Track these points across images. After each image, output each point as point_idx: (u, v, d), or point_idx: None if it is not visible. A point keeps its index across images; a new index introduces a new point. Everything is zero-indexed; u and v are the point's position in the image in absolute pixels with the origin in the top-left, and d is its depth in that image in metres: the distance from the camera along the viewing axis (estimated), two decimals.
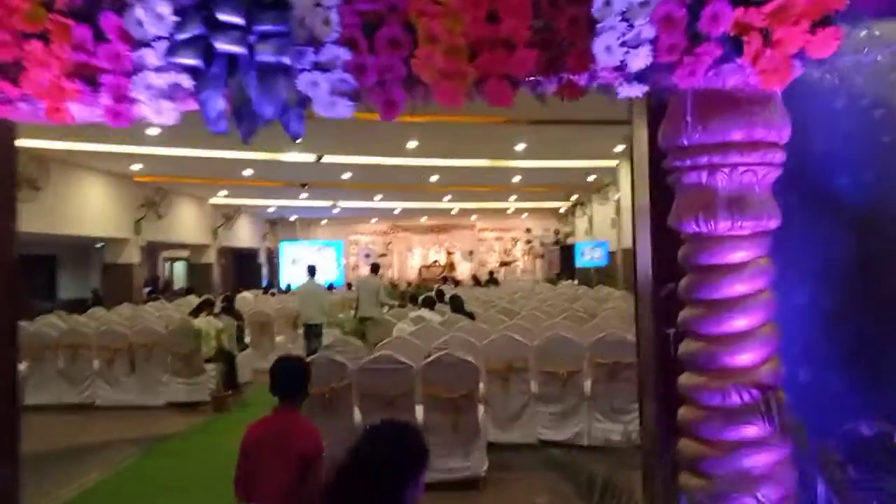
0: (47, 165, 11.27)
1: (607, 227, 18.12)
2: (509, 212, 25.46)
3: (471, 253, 27.49)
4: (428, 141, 12.26)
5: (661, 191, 2.18)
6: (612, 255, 17.81)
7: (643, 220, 2.47)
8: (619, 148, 13.54)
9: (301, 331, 11.91)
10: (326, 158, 13.51)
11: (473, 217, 27.83)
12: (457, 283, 18.09)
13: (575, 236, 21.74)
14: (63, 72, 1.63)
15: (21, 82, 1.63)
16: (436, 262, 28.17)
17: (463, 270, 27.95)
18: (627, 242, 14.26)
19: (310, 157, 13.38)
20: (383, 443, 1.94)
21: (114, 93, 1.70)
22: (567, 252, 22.91)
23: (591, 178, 17.14)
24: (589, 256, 18.09)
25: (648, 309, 2.40)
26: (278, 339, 10.97)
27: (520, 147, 13.03)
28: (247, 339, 10.15)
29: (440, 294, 10.66)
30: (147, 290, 21.93)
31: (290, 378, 3.00)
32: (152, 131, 10.67)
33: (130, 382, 8.20)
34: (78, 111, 1.73)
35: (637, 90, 1.83)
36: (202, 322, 8.22)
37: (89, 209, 13.66)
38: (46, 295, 18.33)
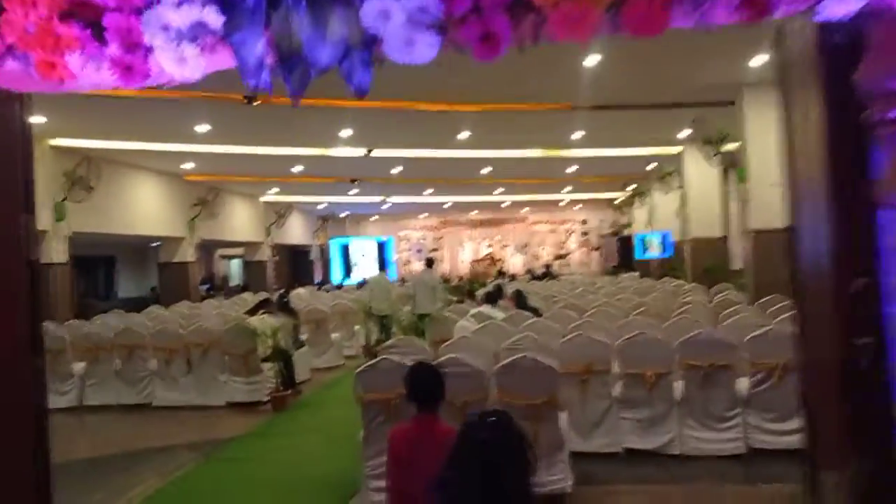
0: (98, 165, 11.25)
1: (669, 217, 17.30)
2: (562, 203, 24.78)
3: (524, 246, 26.90)
4: (480, 131, 11.79)
5: (844, 159, 1.66)
6: (675, 245, 17.00)
7: (813, 197, 1.94)
8: (684, 133, 12.79)
9: (358, 327, 11.69)
10: (376, 152, 13.18)
11: (524, 210, 27.23)
12: (512, 277, 17.55)
13: (633, 227, 20.92)
14: (54, 10, 1.18)
15: (1, 28, 1.20)
16: (488, 255, 27.71)
17: (515, 264, 27.41)
18: (696, 232, 13.53)
19: (359, 152, 13.07)
20: (499, 427, 1.91)
21: (122, 37, 1.25)
22: (625, 244, 22.12)
23: (650, 167, 16.38)
24: (650, 248, 17.30)
25: (823, 307, 1.88)
26: (334, 335, 10.70)
27: (577, 135, 12.42)
28: (303, 337, 9.89)
29: (499, 289, 10.18)
30: (204, 287, 22.19)
31: (427, 385, 3.06)
32: (201, 128, 10.51)
33: (188, 382, 8.01)
34: (79, 66, 1.28)
35: (848, 5, 1.33)
36: (258, 321, 7.96)
37: (142, 209, 13.69)
38: (106, 295, 18.67)
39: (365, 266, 25.49)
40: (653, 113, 10.85)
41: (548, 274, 17.81)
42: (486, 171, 16.13)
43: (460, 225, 29.01)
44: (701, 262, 13.33)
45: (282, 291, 10.69)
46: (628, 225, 21.99)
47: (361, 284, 18.64)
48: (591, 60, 7.94)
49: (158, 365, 8.06)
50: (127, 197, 13.15)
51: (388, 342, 5.73)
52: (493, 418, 1.94)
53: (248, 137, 11.73)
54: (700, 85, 9.28)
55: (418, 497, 2.35)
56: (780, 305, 7.19)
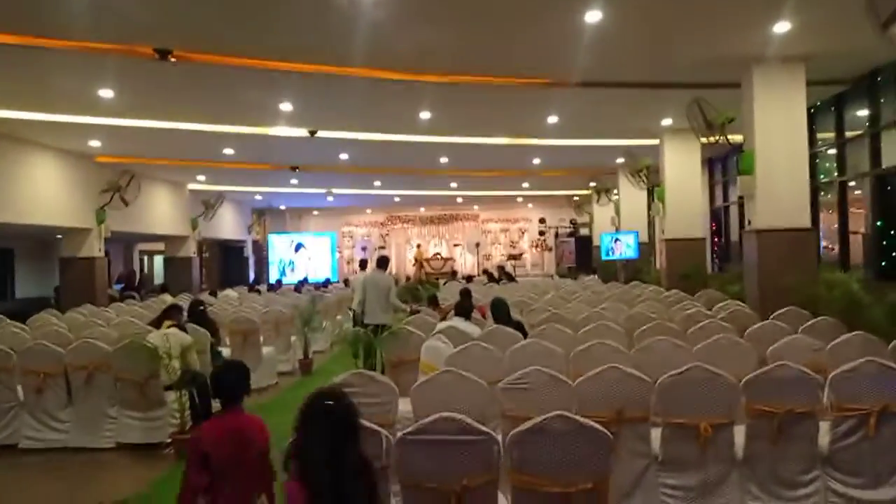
0: None
1: (639, 215, 16.17)
2: (520, 200, 23.47)
3: (477, 245, 25.45)
4: (442, 111, 10.19)
5: None
6: (641, 247, 15.86)
7: None
8: (667, 122, 11.54)
9: (294, 338, 9.91)
10: (321, 134, 11.42)
11: (475, 207, 25.80)
12: (468, 278, 16.02)
13: (594, 227, 19.75)
14: None
15: None
16: (437, 254, 26.16)
17: (464, 263, 25.95)
18: (674, 232, 12.32)
19: (301, 132, 11.28)
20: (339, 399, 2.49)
21: None
22: (583, 244, 20.95)
23: (619, 160, 15.15)
24: (616, 249, 16.09)
25: None
26: (266, 350, 8.90)
27: (551, 120, 10.97)
28: (224, 352, 8.08)
29: (468, 296, 8.61)
30: (119, 287, 19.79)
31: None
32: (105, 93, 8.53)
33: (67, 417, 6.12)
34: None
35: None
36: (160, 337, 6.10)
37: (41, 194, 11.51)
38: (1, 294, 16.14)
39: (304, 264, 23.55)
40: (641, 94, 9.50)
41: (504, 275, 16.39)
42: (444, 160, 14.55)
43: (408, 222, 27.37)
44: (677, 265, 12.11)
45: (196, 298, 8.71)
46: (587, 224, 20.83)
47: (301, 284, 16.81)
48: (593, 16, 6.45)
49: (27, 394, 6.13)
50: (22, 179, 10.95)
51: (340, 378, 4.05)
52: (334, 391, 2.53)
53: (167, 109, 9.78)
54: (704, 58, 7.95)
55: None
56: (812, 322, 5.88)
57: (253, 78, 8.05)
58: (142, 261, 24.13)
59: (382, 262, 9.06)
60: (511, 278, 15.98)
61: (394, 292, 8.73)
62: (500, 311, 6.36)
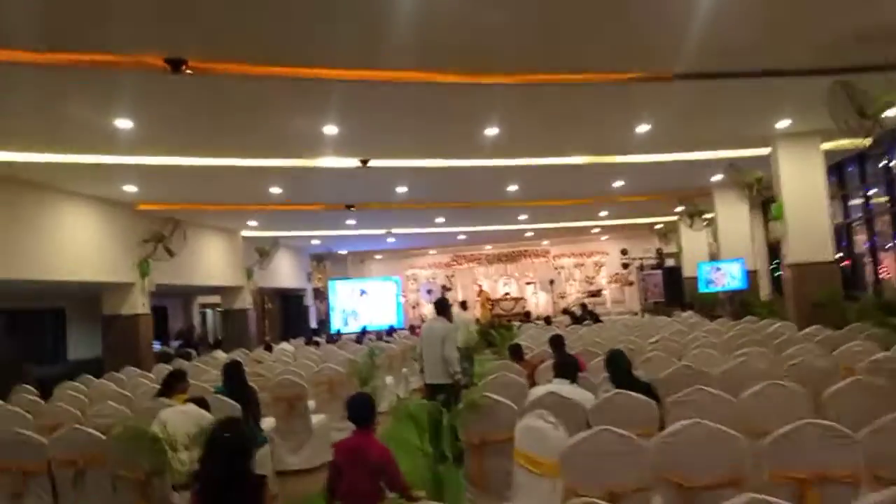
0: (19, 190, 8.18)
1: (740, 240, 14.05)
2: (595, 231, 21.56)
3: (551, 282, 23.56)
4: (512, 123, 8.65)
5: None
6: (750, 275, 13.70)
7: None
8: (784, 124, 9.60)
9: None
10: (374, 163, 10.04)
11: (545, 242, 24.01)
12: (546, 320, 14.19)
13: (683, 255, 17.62)
14: None
15: None
16: (507, 294, 24.38)
17: (537, 302, 24.05)
18: (801, 255, 10.19)
19: (352, 162, 9.94)
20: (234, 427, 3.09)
21: None
22: (672, 276, 18.79)
23: (715, 178, 13.19)
24: (717, 280, 13.97)
25: None
26: (316, 418, 7.34)
27: (642, 129, 9.25)
28: (265, 423, 6.58)
29: (559, 344, 6.87)
30: (177, 343, 18.89)
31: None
32: (123, 123, 7.39)
33: None
34: None
35: None
36: (168, 419, 4.64)
37: (80, 248, 10.53)
38: (53, 356, 15.37)
39: (367, 310, 22.27)
40: (754, 88, 7.68)
41: (588, 314, 14.50)
42: (512, 188, 12.96)
43: (473, 261, 25.79)
44: (807, 294, 9.98)
45: (233, 360, 7.09)
46: (676, 253, 18.69)
47: (362, 334, 15.38)
48: None
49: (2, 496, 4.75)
50: (55, 232, 9.99)
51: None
52: (229, 422, 3.17)
53: (193, 138, 8.59)
54: (851, 31, 6.13)
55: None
56: None
57: (285, 91, 6.74)
58: (202, 315, 23.40)
59: (442, 306, 7.19)
60: (596, 318, 14.06)
61: (451, 344, 6.74)
62: (619, 367, 4.61)
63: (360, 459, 3.66)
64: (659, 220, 18.93)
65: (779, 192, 10.33)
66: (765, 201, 11.27)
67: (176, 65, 5.82)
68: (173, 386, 5.42)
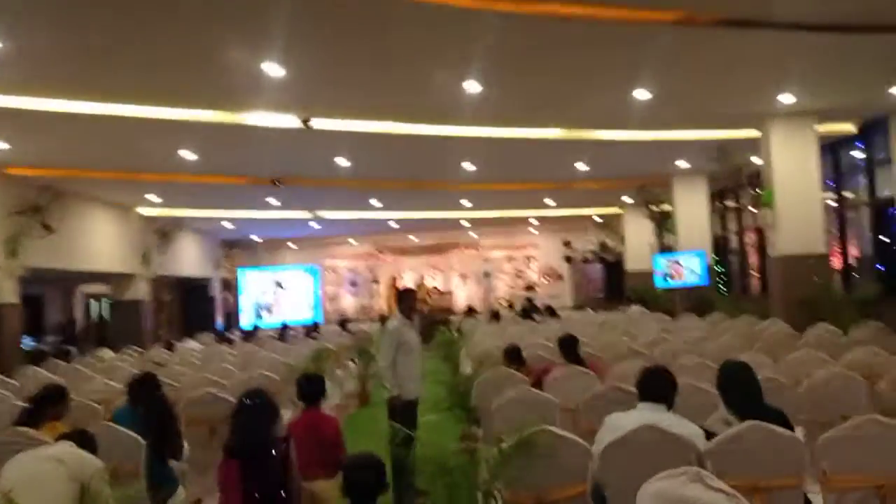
0: None
1: (700, 232, 13.21)
2: (531, 223, 20.46)
3: (486, 275, 22.30)
4: (489, 80, 7.09)
5: None
6: (709, 270, 12.89)
7: None
8: (786, 98, 8.56)
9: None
10: (319, 122, 8.21)
11: (474, 235, 22.71)
12: (496, 315, 12.78)
13: (626, 248, 16.78)
14: None
15: None
16: (435, 288, 22.91)
17: (468, 297, 22.76)
18: (791, 247, 9.31)
19: (292, 121, 8.07)
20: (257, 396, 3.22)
21: None
22: (614, 270, 17.95)
23: (679, 163, 12.26)
24: (675, 275, 13.09)
25: None
26: None
27: (641, 95, 7.93)
28: (177, 465, 4.65)
29: (571, 344, 5.40)
30: (54, 340, 16.05)
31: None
32: None
33: None
34: None
35: None
36: (25, 477, 2.76)
37: None
38: None
39: (283, 303, 20.09)
40: (772, 42, 6.52)
41: (547, 310, 13.27)
42: (466, 165, 11.41)
43: (398, 253, 24.09)
44: (793, 289, 9.11)
45: (146, 372, 4.96)
46: (615, 247, 17.84)
47: (284, 330, 13.36)
48: None
49: None
50: None
51: None
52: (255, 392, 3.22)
53: (78, 74, 6.44)
54: None
55: None
56: None
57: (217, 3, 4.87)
58: (86, 305, 20.35)
59: (404, 299, 5.38)
60: (553, 313, 12.80)
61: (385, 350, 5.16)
62: (744, 388, 3.15)
63: (316, 435, 3.67)
64: (602, 212, 18.02)
65: (769, 178, 9.39)
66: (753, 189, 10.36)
67: None
68: (44, 411, 3.52)
